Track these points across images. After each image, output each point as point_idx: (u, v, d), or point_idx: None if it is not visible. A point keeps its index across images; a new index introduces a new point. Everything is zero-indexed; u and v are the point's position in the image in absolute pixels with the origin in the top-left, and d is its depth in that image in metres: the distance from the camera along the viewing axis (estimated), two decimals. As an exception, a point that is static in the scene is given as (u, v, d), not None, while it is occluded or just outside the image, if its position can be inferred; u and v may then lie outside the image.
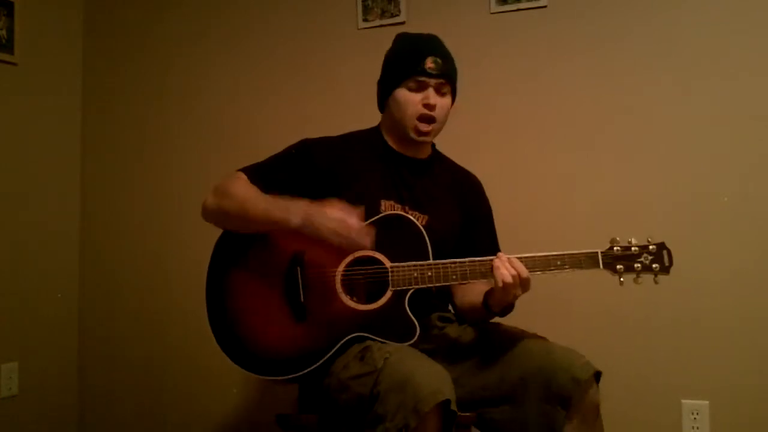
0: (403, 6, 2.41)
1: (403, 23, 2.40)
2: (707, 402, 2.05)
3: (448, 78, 1.65)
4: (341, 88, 2.49)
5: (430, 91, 1.63)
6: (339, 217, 1.49)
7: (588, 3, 2.22)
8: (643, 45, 2.16)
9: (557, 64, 2.24)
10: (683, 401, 2.08)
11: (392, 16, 2.42)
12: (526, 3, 2.27)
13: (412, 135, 1.66)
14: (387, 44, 2.41)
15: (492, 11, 2.31)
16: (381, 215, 1.59)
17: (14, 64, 2.57)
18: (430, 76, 1.62)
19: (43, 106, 2.70)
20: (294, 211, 1.51)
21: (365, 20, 2.46)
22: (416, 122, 1.64)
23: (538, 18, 2.26)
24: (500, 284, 1.47)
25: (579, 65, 2.22)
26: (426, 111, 1.63)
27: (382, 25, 2.43)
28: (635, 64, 2.16)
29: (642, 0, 2.17)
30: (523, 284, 1.49)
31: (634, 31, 2.18)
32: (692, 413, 2.06)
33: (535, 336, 1.59)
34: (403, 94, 1.64)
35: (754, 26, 2.06)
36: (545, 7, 2.25)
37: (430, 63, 1.62)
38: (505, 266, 1.48)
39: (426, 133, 1.66)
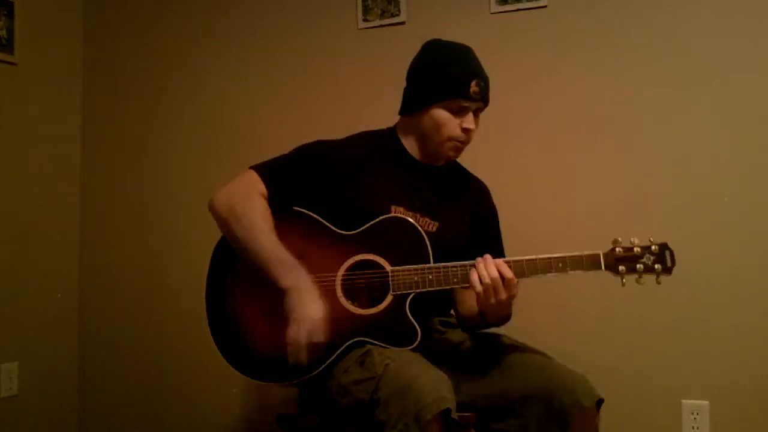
0: (403, 6, 2.41)
1: (403, 23, 2.40)
2: (707, 402, 2.05)
3: (486, 101, 1.64)
4: (341, 88, 2.49)
5: (470, 116, 1.61)
6: (313, 325, 1.46)
7: (588, 3, 2.22)
8: (643, 45, 2.16)
9: (557, 64, 2.24)
10: (683, 401, 2.08)
11: (392, 16, 2.42)
12: (526, 3, 2.27)
13: (448, 153, 1.65)
14: (387, 44, 2.42)
15: (492, 11, 2.31)
16: (380, 218, 1.58)
17: (14, 64, 2.57)
18: (474, 100, 1.60)
19: (43, 106, 2.70)
20: (290, 276, 1.50)
21: (365, 20, 2.46)
22: (450, 143, 1.63)
23: (538, 18, 2.26)
24: (478, 287, 1.45)
25: (579, 65, 2.22)
26: (463, 135, 1.62)
27: (382, 25, 2.43)
28: (635, 64, 2.16)
29: (642, 0, 2.17)
30: (507, 286, 1.45)
31: (634, 31, 2.17)
32: (692, 413, 2.06)
33: (538, 353, 1.57)
34: (442, 114, 1.60)
35: (754, 26, 2.06)
36: (545, 7, 2.25)
37: (474, 87, 1.58)
38: (482, 267, 1.46)
39: (459, 151, 1.66)
